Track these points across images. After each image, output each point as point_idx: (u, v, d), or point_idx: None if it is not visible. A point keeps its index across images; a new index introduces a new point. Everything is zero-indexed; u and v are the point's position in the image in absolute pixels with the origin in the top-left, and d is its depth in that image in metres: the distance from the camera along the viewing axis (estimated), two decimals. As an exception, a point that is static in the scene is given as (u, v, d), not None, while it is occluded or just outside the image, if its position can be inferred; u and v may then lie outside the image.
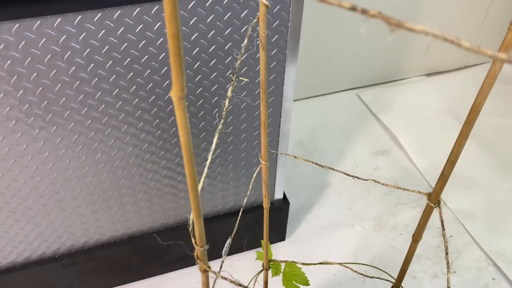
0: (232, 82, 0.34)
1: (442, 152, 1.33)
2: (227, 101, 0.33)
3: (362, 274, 0.56)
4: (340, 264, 0.55)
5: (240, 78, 0.34)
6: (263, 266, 0.61)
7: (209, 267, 0.30)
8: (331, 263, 0.56)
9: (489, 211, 1.19)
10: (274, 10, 0.71)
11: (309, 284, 0.57)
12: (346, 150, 1.34)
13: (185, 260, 1.01)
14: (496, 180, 1.26)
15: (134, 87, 0.70)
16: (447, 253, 0.39)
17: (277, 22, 0.72)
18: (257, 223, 0.94)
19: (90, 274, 0.93)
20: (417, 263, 1.09)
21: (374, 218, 1.16)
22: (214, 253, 1.03)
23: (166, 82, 0.71)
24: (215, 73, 0.73)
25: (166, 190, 0.86)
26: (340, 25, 1.37)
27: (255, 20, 0.37)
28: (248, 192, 0.52)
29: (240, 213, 0.59)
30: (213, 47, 0.70)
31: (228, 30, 0.69)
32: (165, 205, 0.89)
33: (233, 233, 0.47)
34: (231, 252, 1.06)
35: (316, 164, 0.57)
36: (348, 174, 0.54)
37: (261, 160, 0.48)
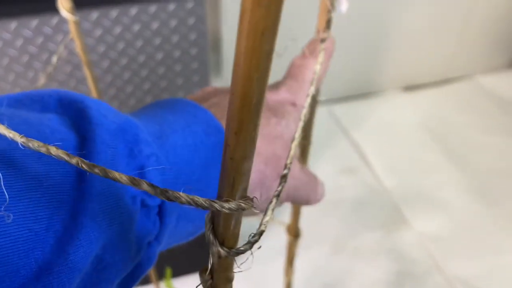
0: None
1: (413, 172, 1.27)
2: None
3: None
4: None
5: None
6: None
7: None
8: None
9: (457, 234, 1.12)
10: (192, 23, 0.69)
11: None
12: (313, 166, 1.29)
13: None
14: (468, 200, 1.19)
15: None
16: None
17: (195, 36, 0.69)
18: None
19: None
20: (376, 287, 1.03)
21: (334, 240, 1.11)
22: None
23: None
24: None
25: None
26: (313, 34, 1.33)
27: (69, 37, 0.34)
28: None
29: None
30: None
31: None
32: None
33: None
34: (181, 273, 1.02)
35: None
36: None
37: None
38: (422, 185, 1.23)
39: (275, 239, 0.83)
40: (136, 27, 0.66)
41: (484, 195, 1.20)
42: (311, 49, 0.32)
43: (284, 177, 0.18)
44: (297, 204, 0.43)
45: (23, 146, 0.14)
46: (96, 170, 0.13)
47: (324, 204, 1.23)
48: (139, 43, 0.67)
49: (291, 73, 0.31)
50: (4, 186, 0.15)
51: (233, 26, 1.14)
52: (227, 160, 0.12)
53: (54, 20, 0.61)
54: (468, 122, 1.40)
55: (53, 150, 0.13)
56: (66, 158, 0.13)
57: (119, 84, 0.70)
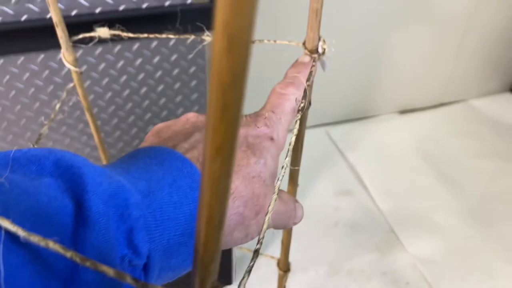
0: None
1: (407, 194, 1.29)
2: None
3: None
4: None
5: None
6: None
7: None
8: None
9: (451, 257, 1.14)
10: (191, 58, 0.72)
11: None
12: (308, 188, 1.31)
13: None
14: (462, 224, 1.21)
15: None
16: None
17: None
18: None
19: None
20: (370, 312, 1.05)
21: (329, 262, 1.13)
22: None
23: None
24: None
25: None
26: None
27: (71, 85, 0.36)
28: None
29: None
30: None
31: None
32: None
33: None
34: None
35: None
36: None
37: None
38: (416, 208, 1.25)
39: (264, 267, 0.84)
40: (138, 61, 0.68)
41: (477, 219, 1.22)
42: (293, 75, 0.33)
43: (256, 252, 0.20)
44: (276, 228, 0.44)
45: (24, 240, 0.16)
46: (88, 264, 0.15)
47: (320, 226, 1.24)
48: (140, 76, 0.70)
49: (271, 103, 0.32)
50: (3, 260, 0.16)
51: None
52: (198, 263, 0.14)
53: (59, 55, 0.64)
54: (462, 146, 1.43)
55: (51, 244, 0.16)
56: (62, 251, 0.16)
57: (121, 114, 0.72)
